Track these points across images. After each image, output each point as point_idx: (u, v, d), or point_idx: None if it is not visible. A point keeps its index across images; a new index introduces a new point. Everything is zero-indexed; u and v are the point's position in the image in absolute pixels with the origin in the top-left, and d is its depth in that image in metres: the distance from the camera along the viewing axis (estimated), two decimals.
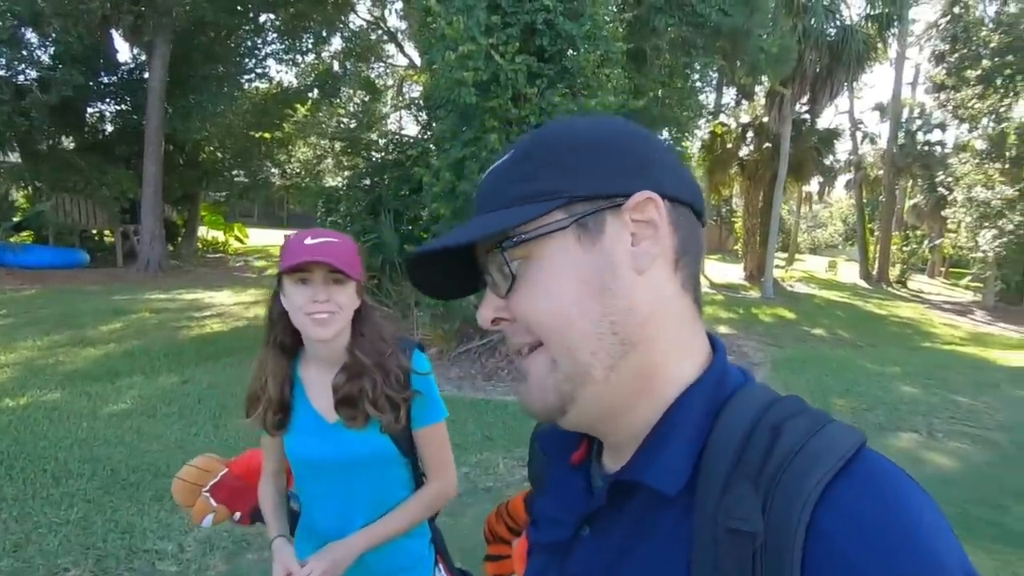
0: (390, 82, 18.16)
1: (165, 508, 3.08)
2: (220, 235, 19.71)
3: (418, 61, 11.46)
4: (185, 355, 6.13)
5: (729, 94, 17.54)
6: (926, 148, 23.25)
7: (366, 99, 16.19)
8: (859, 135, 25.62)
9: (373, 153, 9.31)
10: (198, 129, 13.60)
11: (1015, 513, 3.55)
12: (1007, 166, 16.43)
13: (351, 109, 15.86)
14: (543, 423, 0.57)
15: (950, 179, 20.81)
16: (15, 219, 13.54)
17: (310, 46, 15.86)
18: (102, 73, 14.04)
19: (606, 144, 0.50)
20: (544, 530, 0.59)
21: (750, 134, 18.83)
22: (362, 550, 1.21)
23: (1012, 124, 16.31)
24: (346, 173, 10.00)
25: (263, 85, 16.26)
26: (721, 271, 20.75)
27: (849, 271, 24.91)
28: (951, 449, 4.78)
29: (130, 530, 2.89)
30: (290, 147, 18.53)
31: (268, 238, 21.71)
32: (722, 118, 18.06)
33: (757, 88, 15.66)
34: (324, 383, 1.25)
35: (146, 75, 13.16)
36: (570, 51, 5.82)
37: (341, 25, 15.53)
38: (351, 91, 16.52)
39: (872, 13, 15.22)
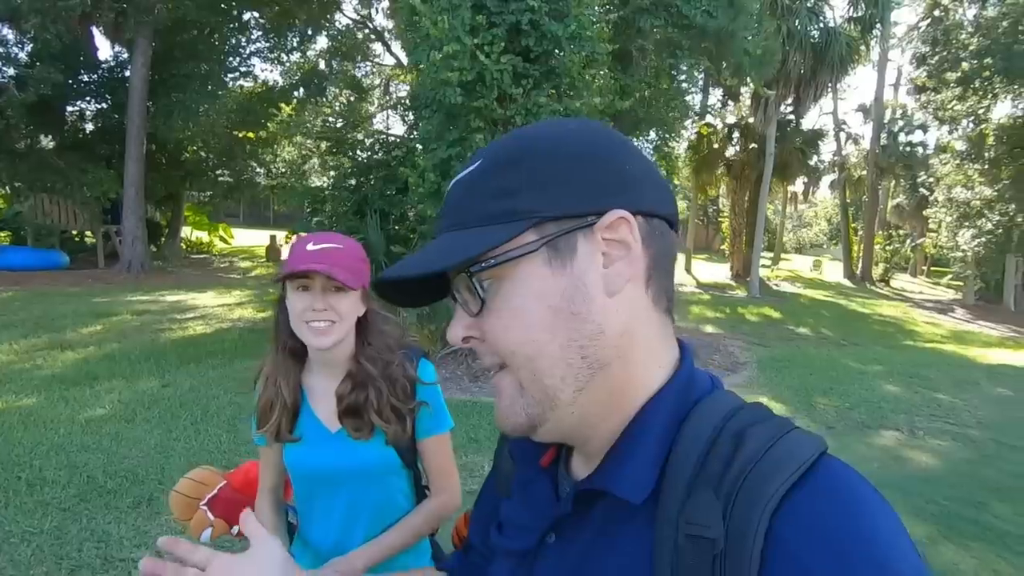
0: (376, 81, 18.05)
1: (142, 515, 3.02)
2: (204, 235, 19.50)
3: (405, 60, 11.38)
4: (166, 358, 6.03)
5: (715, 95, 17.69)
6: (908, 149, 23.66)
7: (352, 98, 16.05)
8: (843, 136, 25.99)
9: (359, 153, 9.21)
10: (181, 128, 13.38)
11: (995, 510, 3.60)
12: (986, 167, 16.74)
13: (337, 108, 15.71)
14: None
15: (931, 179, 21.21)
16: None
17: (295, 44, 15.73)
18: (82, 71, 13.80)
19: (578, 157, 0.48)
20: (510, 537, 0.59)
21: (736, 135, 19.02)
22: (365, 567, 1.15)
23: (990, 126, 16.62)
24: (332, 173, 9.89)
25: (247, 84, 16.09)
26: (708, 270, 20.92)
27: (834, 270, 25.25)
28: (932, 447, 4.84)
29: (106, 539, 2.82)
30: (275, 147, 18.34)
31: (254, 238, 21.53)
32: (708, 119, 18.20)
33: (743, 89, 15.79)
34: (327, 391, 1.22)
35: (127, 73, 12.96)
36: (556, 52, 5.81)
37: (327, 23, 15.39)
38: (337, 90, 16.37)
39: (855, 15, 15.44)
